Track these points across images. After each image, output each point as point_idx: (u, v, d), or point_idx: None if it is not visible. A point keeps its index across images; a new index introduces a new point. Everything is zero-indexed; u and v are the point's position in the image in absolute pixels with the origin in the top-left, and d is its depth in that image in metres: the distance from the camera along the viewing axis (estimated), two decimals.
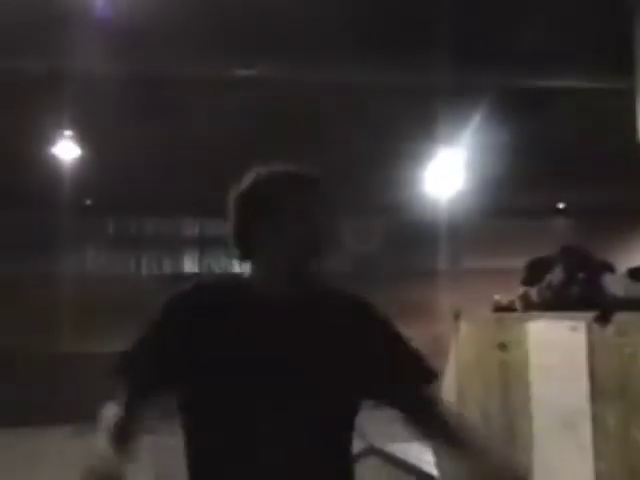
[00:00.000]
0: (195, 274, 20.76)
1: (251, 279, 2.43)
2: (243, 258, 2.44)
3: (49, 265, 18.94)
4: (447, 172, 16.83)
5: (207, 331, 2.34)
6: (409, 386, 2.44)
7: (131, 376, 2.47)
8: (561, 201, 19.95)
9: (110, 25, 9.02)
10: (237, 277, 2.49)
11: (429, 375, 2.47)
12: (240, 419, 2.26)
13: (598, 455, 4.50)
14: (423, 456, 6.64)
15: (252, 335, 2.30)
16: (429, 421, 2.42)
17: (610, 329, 4.52)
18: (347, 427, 2.47)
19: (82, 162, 14.57)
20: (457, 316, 7.05)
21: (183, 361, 2.34)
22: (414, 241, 19.64)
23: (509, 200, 17.59)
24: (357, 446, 9.12)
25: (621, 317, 4.52)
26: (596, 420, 4.53)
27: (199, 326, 2.34)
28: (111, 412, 2.46)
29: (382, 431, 9.64)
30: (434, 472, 6.12)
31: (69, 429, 14.97)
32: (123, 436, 2.33)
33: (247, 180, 2.47)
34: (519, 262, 6.62)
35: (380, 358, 2.43)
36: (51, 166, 14.54)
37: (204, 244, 21.32)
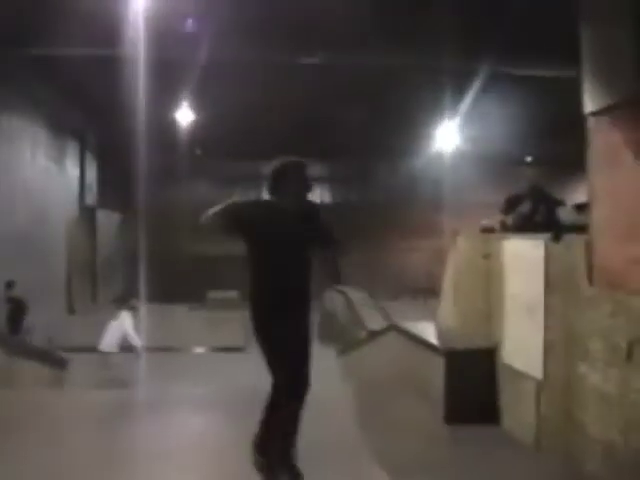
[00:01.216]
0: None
1: (277, 202, 3.98)
2: (271, 195, 4.02)
3: (173, 193, 19.34)
4: (450, 132, 16.71)
5: (259, 218, 3.90)
6: (326, 244, 4.11)
7: (222, 215, 3.93)
8: (529, 155, 19.76)
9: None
10: (272, 200, 4.02)
11: (333, 240, 4.10)
12: (274, 251, 3.87)
13: (547, 329, 4.63)
14: (429, 331, 6.77)
15: (278, 222, 3.88)
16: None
17: (560, 245, 4.60)
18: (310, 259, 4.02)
19: (195, 124, 14.78)
20: (455, 234, 7.00)
21: (246, 227, 3.90)
22: (426, 180, 19.58)
23: (493, 153, 17.43)
24: (381, 324, 9.29)
25: (568, 237, 4.60)
26: (547, 306, 4.64)
27: (255, 215, 3.92)
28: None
29: (400, 314, 9.91)
30: (436, 342, 6.14)
31: (186, 305, 15.48)
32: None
33: (273, 163, 4.04)
34: (499, 197, 6.62)
35: (320, 233, 4.03)
36: (174, 126, 14.78)
37: None
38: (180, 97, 13.53)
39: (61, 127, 14.41)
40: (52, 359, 8.78)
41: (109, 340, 10.42)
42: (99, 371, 9.97)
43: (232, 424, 5.29)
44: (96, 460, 4.55)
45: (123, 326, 10.50)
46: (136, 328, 10.66)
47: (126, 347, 10.44)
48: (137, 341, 10.50)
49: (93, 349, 10.84)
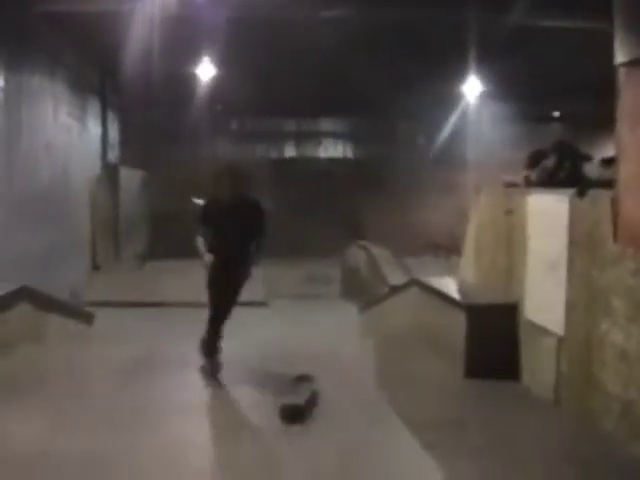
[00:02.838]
0: (292, 158, 20.90)
1: (222, 196, 5.67)
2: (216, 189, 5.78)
3: (192, 150, 19.25)
4: (474, 88, 16.39)
5: (213, 211, 5.70)
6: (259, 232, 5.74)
7: (199, 222, 5.78)
8: (556, 110, 19.37)
9: None
10: (218, 195, 5.70)
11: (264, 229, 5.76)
12: (222, 233, 5.61)
13: (570, 285, 4.60)
14: (450, 286, 6.76)
15: (223, 212, 5.61)
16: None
17: (585, 201, 4.54)
18: (251, 241, 5.70)
19: (216, 79, 14.64)
20: (478, 191, 6.97)
21: (209, 219, 5.69)
22: (450, 137, 19.29)
23: (518, 110, 17.12)
24: (403, 279, 9.24)
25: (593, 193, 4.54)
26: (570, 262, 4.61)
27: (211, 210, 5.73)
28: (199, 239, 5.72)
29: (421, 270, 9.89)
30: (457, 297, 6.16)
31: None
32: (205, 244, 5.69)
33: (220, 166, 6.28)
34: (523, 155, 6.52)
35: (256, 221, 5.71)
36: (194, 81, 14.68)
37: (299, 137, 21.32)
38: (201, 53, 13.36)
39: (82, 85, 14.32)
40: (79, 313, 8.91)
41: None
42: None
43: (253, 380, 5.37)
44: (119, 413, 4.66)
45: None
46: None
47: None
48: None
49: (117, 304, 11.03)
